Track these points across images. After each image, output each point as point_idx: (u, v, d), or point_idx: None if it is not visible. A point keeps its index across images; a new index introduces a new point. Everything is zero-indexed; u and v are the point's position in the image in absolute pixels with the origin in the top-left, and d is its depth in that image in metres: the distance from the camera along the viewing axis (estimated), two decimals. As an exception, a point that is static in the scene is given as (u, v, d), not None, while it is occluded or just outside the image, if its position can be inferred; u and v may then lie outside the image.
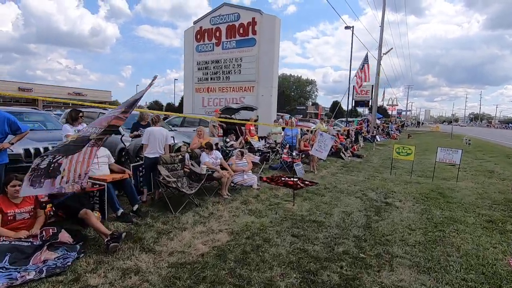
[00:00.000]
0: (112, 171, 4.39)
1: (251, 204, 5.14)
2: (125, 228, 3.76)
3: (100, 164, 4.12)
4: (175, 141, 6.36)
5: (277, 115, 15.55)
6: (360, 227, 4.31)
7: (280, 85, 67.88)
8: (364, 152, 14.34)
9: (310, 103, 79.61)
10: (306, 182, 6.94)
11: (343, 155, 11.65)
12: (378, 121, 25.42)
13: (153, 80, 3.35)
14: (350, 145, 13.23)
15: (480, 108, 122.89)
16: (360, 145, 16.13)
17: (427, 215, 4.94)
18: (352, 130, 16.61)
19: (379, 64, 25.02)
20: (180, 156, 4.94)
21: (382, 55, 24.28)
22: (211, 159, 5.48)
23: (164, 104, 55.99)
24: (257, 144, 8.33)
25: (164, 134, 4.71)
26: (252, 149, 8.35)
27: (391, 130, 28.01)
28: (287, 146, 8.23)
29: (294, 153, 8.11)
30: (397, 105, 54.77)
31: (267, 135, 10.17)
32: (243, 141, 8.11)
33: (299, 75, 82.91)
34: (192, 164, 5.46)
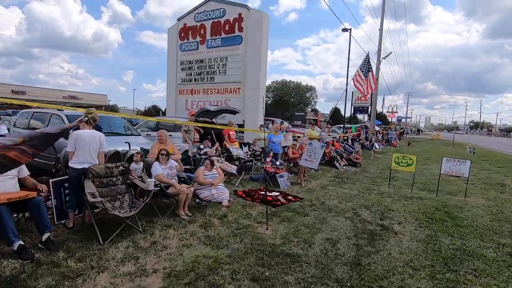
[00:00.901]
0: (25, 187, 3.37)
1: (212, 228, 4.10)
2: (15, 270, 2.71)
3: (3, 178, 3.10)
4: (130, 148, 5.35)
5: (268, 119, 14.57)
6: (347, 264, 3.27)
7: (279, 91, 66.79)
8: (362, 161, 13.32)
9: (310, 109, 78.94)
10: (290, 197, 5.90)
11: (337, 165, 10.63)
12: (377, 128, 24.42)
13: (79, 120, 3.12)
14: (346, 153, 12.21)
15: (480, 116, 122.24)
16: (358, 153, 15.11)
17: (433, 245, 3.90)
18: (349, 138, 15.59)
19: (378, 69, 24.17)
20: (121, 167, 3.91)
21: (381, 59, 23.44)
22: (165, 171, 4.45)
23: (163, 109, 55.27)
24: (237, 151, 7.32)
25: (97, 138, 3.69)
26: (231, 157, 7.34)
27: (391, 137, 27.02)
28: (271, 154, 7.22)
29: (278, 162, 7.09)
30: (397, 112, 53.98)
31: (253, 141, 9.16)
32: (219, 148, 7.11)
33: (299, 81, 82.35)
34: (141, 177, 4.44)
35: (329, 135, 14.08)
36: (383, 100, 55.84)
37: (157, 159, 4.50)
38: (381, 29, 23.06)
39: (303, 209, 5.28)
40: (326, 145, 7.29)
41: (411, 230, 4.49)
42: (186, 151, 6.34)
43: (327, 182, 8.02)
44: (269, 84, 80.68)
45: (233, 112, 8.47)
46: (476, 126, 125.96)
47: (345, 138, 15.03)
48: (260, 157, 7.55)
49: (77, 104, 49.37)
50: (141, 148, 5.43)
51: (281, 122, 13.79)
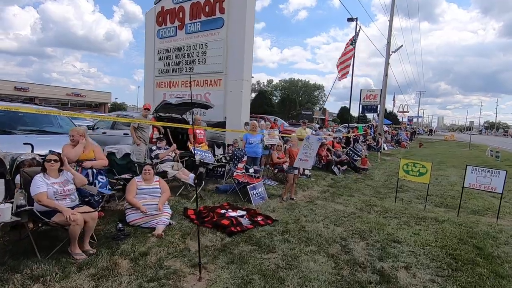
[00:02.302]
0: None
1: (110, 281, 2.63)
2: None
3: None
4: (33, 150, 3.92)
5: (257, 117, 13.10)
6: None
7: (287, 89, 65.27)
8: (367, 166, 11.65)
9: (318, 108, 77.01)
10: (258, 218, 4.38)
11: (336, 170, 9.04)
12: (385, 128, 22.56)
13: None
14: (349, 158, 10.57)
15: (496, 116, 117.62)
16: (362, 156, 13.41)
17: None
18: (352, 138, 13.89)
19: (387, 64, 22.30)
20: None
21: (391, 53, 21.58)
22: (52, 187, 2.98)
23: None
24: (203, 154, 5.83)
25: None
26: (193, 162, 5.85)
27: (402, 137, 25.10)
28: (245, 158, 5.71)
29: (251, 170, 5.58)
30: (408, 112, 51.64)
31: (233, 142, 7.67)
32: (176, 151, 5.63)
33: (307, 80, 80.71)
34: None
35: (329, 135, 12.43)
36: (394, 99, 53.66)
37: (43, 169, 3.04)
38: (391, 20, 21.21)
39: (270, 238, 3.76)
40: (322, 139, 5.71)
41: (425, 282, 2.93)
42: (127, 155, 4.89)
43: (317, 193, 6.46)
44: (276, 83, 79.09)
45: (205, 106, 7.00)
46: (491, 127, 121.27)
47: (349, 138, 13.34)
48: (231, 162, 6.01)
49: (81, 101, 49.03)
50: (50, 151, 4.00)
51: (274, 119, 12.26)
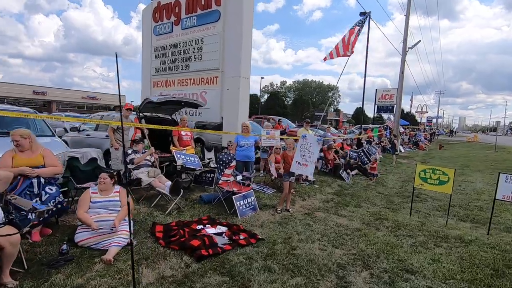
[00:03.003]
0: None
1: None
2: None
3: None
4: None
5: (262, 117, 12.37)
6: None
7: (300, 90, 64.28)
8: (379, 168, 10.67)
9: (332, 109, 75.46)
10: (240, 237, 3.64)
11: (344, 175, 8.16)
12: (401, 129, 21.23)
13: None
14: (358, 160, 9.65)
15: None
16: (376, 159, 12.37)
17: None
18: (363, 140, 12.88)
19: (403, 60, 21.02)
20: None
21: (407, 49, 20.30)
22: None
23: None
24: (186, 159, 5.12)
25: None
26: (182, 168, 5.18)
27: (420, 139, 23.68)
28: (233, 164, 4.97)
29: (239, 177, 4.84)
30: (427, 112, 49.42)
31: (228, 144, 6.96)
32: (155, 155, 4.96)
33: (321, 81, 79.56)
34: None
35: (338, 136, 11.54)
36: (411, 100, 51.60)
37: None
38: (407, 15, 19.96)
39: (248, 265, 3.01)
40: (321, 139, 4.92)
41: None
42: (93, 160, 4.27)
43: (319, 203, 5.64)
44: (290, 84, 78.22)
45: (195, 105, 6.33)
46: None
47: (360, 139, 12.35)
48: (216, 168, 5.22)
49: (96, 104, 50.01)
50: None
51: (279, 120, 11.47)
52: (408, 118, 50.41)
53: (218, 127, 7.95)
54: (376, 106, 29.10)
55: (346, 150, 10.03)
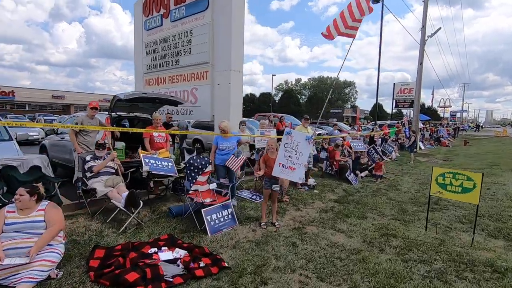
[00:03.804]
0: None
1: None
2: None
3: None
4: None
5: (265, 115, 11.53)
6: None
7: (316, 87, 62.79)
8: (394, 168, 9.57)
9: (349, 105, 73.35)
10: (200, 265, 2.86)
11: (351, 178, 7.21)
12: (421, 124, 19.67)
13: None
14: (367, 157, 8.64)
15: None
16: (392, 158, 11.25)
17: None
18: (378, 138, 11.74)
19: (422, 50, 19.48)
20: None
21: (426, 38, 18.78)
22: None
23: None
24: (156, 164, 4.39)
25: None
26: (151, 175, 4.46)
27: (442, 135, 21.97)
28: (208, 169, 4.19)
29: (212, 185, 4.05)
30: (450, 106, 46.68)
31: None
32: (117, 160, 4.25)
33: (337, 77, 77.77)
34: None
35: (348, 134, 10.54)
36: (433, 93, 48.97)
37: None
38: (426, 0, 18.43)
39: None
40: (311, 137, 4.07)
41: None
42: (36, 168, 3.62)
43: (316, 213, 4.77)
44: (305, 82, 76.62)
45: (173, 102, 5.60)
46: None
47: (372, 137, 11.22)
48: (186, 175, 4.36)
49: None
50: None
51: (281, 117, 10.60)
52: (430, 112, 47.83)
53: (210, 126, 7.21)
54: (394, 100, 27.60)
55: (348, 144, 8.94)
